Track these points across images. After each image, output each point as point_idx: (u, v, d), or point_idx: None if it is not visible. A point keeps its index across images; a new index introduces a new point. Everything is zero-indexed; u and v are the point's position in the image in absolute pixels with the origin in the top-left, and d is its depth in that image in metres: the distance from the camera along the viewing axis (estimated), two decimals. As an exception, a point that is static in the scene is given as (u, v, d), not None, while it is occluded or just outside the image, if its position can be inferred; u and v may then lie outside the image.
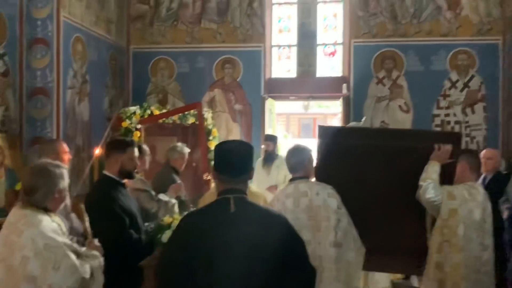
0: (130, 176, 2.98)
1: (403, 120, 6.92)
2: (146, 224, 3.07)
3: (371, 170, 2.95)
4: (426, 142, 2.97)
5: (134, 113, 6.00)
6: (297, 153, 2.95)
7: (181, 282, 1.81)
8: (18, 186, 4.26)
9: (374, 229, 2.86)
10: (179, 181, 4.18)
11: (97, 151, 3.89)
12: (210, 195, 3.75)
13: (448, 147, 2.92)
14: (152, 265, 2.77)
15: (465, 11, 6.87)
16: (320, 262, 2.67)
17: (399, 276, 4.88)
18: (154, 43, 7.40)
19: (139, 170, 3.30)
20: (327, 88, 7.36)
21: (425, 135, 3.47)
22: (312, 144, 3.34)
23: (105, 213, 2.79)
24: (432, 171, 2.89)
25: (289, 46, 7.76)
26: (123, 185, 2.99)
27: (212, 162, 6.47)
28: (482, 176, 4.73)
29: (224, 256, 1.78)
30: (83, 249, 2.31)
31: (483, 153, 4.90)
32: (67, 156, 3.44)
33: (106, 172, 2.95)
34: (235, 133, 7.25)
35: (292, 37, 7.72)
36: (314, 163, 2.99)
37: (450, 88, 6.90)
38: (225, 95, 7.31)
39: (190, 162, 5.26)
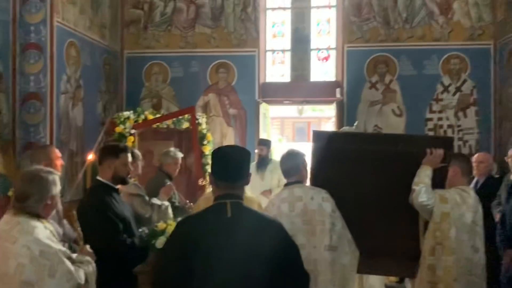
0: (123, 182, 2.98)
1: (396, 124, 6.96)
2: (140, 230, 3.06)
3: (364, 175, 2.98)
4: (419, 146, 3.00)
5: (128, 118, 5.99)
6: (291, 158, 2.98)
7: (177, 286, 1.81)
8: (11, 192, 4.23)
9: (368, 233, 2.89)
10: (170, 183, 4.17)
11: (90, 156, 3.87)
12: (204, 200, 3.75)
13: (440, 152, 2.96)
14: (146, 271, 2.77)
15: (456, 16, 6.94)
16: (315, 265, 2.70)
17: (393, 279, 4.91)
18: (148, 48, 7.40)
19: (132, 175, 3.29)
20: (321, 93, 7.39)
21: (417, 139, 3.50)
22: (307, 148, 3.36)
23: (99, 219, 2.79)
24: (424, 175, 2.92)
25: (283, 51, 7.81)
26: (117, 190, 2.98)
27: (206, 167, 6.45)
28: (474, 180, 4.77)
29: (220, 260, 1.80)
30: (74, 255, 2.30)
31: (475, 157, 4.95)
32: (59, 162, 3.43)
33: (99, 178, 2.95)
34: (230, 138, 7.26)
35: (286, 42, 7.76)
36: (308, 168, 3.03)
37: (442, 92, 6.96)
38: (219, 100, 7.33)
39: (184, 167, 5.26)
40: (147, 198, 3.77)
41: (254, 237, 1.84)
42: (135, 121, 6.03)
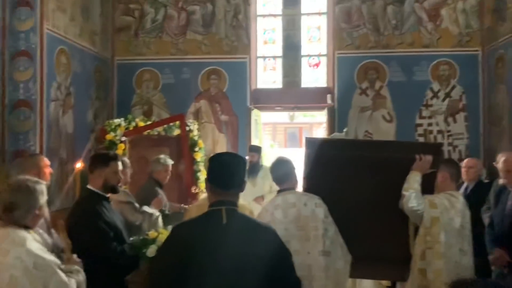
0: (114, 190, 2.97)
1: (386, 130, 7.02)
2: (131, 238, 3.05)
3: (356, 181, 3.02)
4: (409, 153, 3.05)
5: (119, 125, 5.97)
6: (282, 165, 3.05)
7: None
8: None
9: (359, 238, 2.94)
10: (161, 195, 4.16)
11: (78, 165, 3.85)
12: (196, 207, 3.74)
13: (429, 158, 3.01)
14: (137, 280, 2.75)
15: (445, 23, 7.04)
16: (309, 271, 2.74)
17: (385, 283, 4.92)
18: (139, 55, 7.39)
19: (121, 183, 3.28)
20: (312, 99, 7.44)
21: (407, 146, 3.56)
22: (299, 154, 3.39)
23: (90, 228, 2.77)
24: (414, 181, 2.97)
25: (274, 57, 7.85)
26: (107, 199, 2.97)
27: (198, 174, 6.42)
28: (464, 185, 4.81)
29: (215, 267, 1.81)
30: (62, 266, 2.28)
31: (464, 162, 4.99)
32: (48, 170, 3.40)
33: (90, 187, 2.93)
34: (221, 144, 7.26)
35: (277, 49, 7.81)
36: (301, 174, 3.08)
37: (432, 98, 7.03)
38: (211, 106, 7.33)
39: (175, 174, 5.23)
40: (137, 205, 3.75)
41: (249, 244, 1.87)
42: (126, 128, 6.00)
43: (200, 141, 6.44)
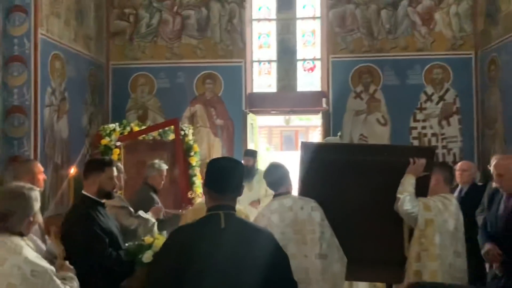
0: (109, 196, 2.96)
1: (381, 133, 7.05)
2: (127, 244, 3.04)
3: (351, 184, 3.05)
4: (403, 156, 3.08)
5: (114, 130, 5.95)
6: (276, 170, 3.09)
7: None
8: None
9: (355, 241, 2.96)
10: (157, 201, 4.15)
11: (72, 170, 3.83)
12: (192, 211, 3.75)
13: (422, 161, 3.04)
14: (132, 286, 2.74)
15: (438, 27, 7.10)
16: (307, 274, 2.77)
17: (380, 285, 4.93)
18: (134, 59, 7.39)
19: (116, 189, 3.27)
20: (307, 103, 7.46)
21: (401, 150, 3.61)
22: (294, 157, 3.42)
23: (85, 233, 2.76)
24: (408, 184, 3.00)
25: (269, 61, 7.88)
26: (103, 205, 2.96)
27: (194, 178, 6.41)
28: (458, 188, 4.84)
29: (213, 270, 1.82)
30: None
31: (458, 165, 5.02)
32: (42, 176, 3.38)
33: (85, 192, 2.92)
34: (217, 148, 7.26)
35: (272, 53, 7.84)
36: (297, 178, 3.12)
37: (426, 101, 7.08)
38: (206, 110, 7.34)
39: (171, 178, 5.23)
40: (131, 209, 3.74)
41: (247, 248, 1.88)
42: (121, 133, 5.99)
43: (195, 146, 6.43)
